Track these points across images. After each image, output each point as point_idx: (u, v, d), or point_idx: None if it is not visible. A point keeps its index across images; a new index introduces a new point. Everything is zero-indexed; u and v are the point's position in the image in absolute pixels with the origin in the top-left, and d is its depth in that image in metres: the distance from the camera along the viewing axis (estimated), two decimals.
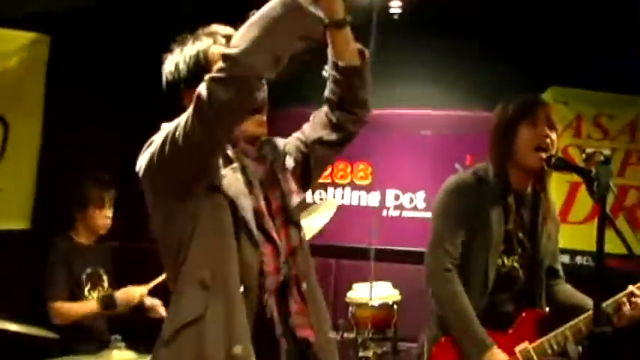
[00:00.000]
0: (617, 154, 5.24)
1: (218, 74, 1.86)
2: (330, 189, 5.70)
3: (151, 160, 2.01)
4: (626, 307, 2.96)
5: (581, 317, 2.95)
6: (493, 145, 3.12)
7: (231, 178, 2.06)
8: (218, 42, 2.14)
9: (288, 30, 1.89)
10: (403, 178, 5.62)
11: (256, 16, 1.88)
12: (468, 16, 5.17)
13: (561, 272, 3.30)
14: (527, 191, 3.13)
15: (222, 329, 1.97)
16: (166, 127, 2.02)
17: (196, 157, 1.97)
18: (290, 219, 2.19)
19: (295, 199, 2.19)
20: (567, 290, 3.27)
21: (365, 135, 5.41)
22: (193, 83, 2.04)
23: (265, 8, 1.88)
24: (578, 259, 5.10)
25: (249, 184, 2.10)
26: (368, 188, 5.66)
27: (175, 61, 2.17)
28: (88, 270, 4.21)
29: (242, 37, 1.87)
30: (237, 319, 1.99)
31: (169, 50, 2.22)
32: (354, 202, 5.66)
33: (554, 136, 3.02)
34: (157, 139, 2.03)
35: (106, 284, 4.27)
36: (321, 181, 5.66)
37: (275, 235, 2.11)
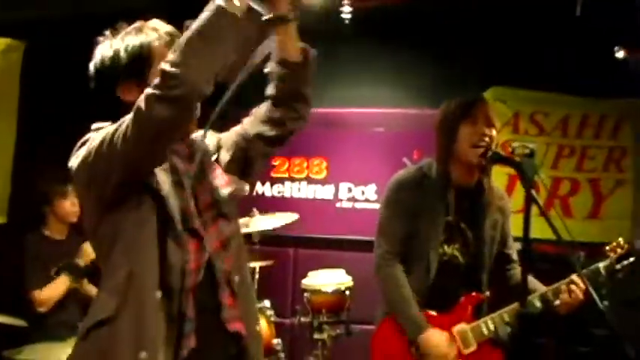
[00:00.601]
0: (552, 149, 5.55)
1: (159, 92, 1.79)
2: (288, 183, 5.84)
3: (86, 158, 1.94)
4: (565, 295, 3.07)
5: (516, 304, 3.04)
6: (437, 142, 3.20)
7: (161, 179, 1.99)
8: (162, 39, 2.06)
9: (226, 39, 1.84)
10: (356, 172, 5.77)
11: (193, 30, 1.82)
12: (415, 20, 5.34)
13: (514, 257, 3.36)
14: (471, 184, 3.19)
15: (131, 333, 1.91)
16: (102, 129, 1.96)
17: (132, 164, 1.90)
18: (220, 213, 2.12)
19: (224, 191, 2.13)
20: (519, 274, 3.24)
21: (321, 132, 5.75)
22: (132, 76, 2.03)
23: (200, 20, 1.82)
24: (517, 245, 5.26)
25: (178, 183, 2.03)
26: (323, 182, 5.82)
27: (115, 48, 2.07)
28: (60, 264, 4.24)
29: (182, 52, 1.81)
30: (148, 323, 1.93)
31: (102, 35, 2.13)
32: (310, 196, 5.83)
33: (492, 133, 3.07)
34: (94, 139, 1.95)
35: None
36: (278, 175, 5.86)
37: (202, 232, 2.04)
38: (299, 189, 5.83)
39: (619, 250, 3.26)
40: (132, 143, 1.84)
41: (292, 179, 5.85)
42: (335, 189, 5.83)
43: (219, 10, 1.82)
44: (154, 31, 2.08)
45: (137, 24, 2.11)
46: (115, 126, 1.91)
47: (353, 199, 5.78)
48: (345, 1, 5.06)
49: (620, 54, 5.37)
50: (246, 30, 1.93)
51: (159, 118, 1.79)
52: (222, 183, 2.16)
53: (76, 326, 3.84)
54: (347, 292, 4.60)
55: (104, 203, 1.96)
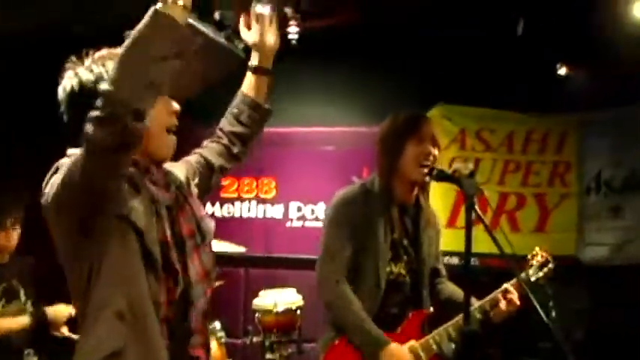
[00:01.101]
0: (498, 164, 5.65)
1: (95, 113, 1.72)
2: (237, 203, 5.82)
3: (57, 189, 1.86)
4: (502, 303, 3.10)
5: (459, 317, 2.99)
6: (380, 159, 3.19)
7: (139, 209, 1.94)
8: None
9: (160, 50, 1.72)
10: (306, 191, 5.79)
11: (127, 42, 1.72)
12: (362, 39, 5.36)
13: (444, 272, 3.39)
14: (411, 201, 3.20)
15: None
16: (71, 159, 1.88)
17: (94, 193, 1.83)
18: (202, 242, 2.11)
19: (211, 224, 2.17)
20: (449, 287, 3.37)
21: (270, 151, 5.76)
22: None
23: (135, 31, 1.72)
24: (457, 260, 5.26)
25: (156, 214, 1.99)
26: (272, 201, 5.83)
27: (97, 72, 1.96)
28: (3, 284, 4.10)
29: (114, 68, 1.73)
30: (157, 353, 1.93)
31: (73, 64, 2.01)
32: (260, 215, 5.83)
33: (436, 152, 3.10)
34: (63, 167, 1.90)
35: (23, 298, 4.16)
36: (228, 195, 5.84)
37: (177, 267, 2.00)
38: (249, 209, 5.83)
39: (539, 259, 3.38)
40: (85, 167, 1.78)
41: (242, 199, 5.85)
42: (285, 208, 5.84)
43: (154, 13, 1.71)
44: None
45: (114, 50, 1.98)
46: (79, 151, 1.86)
47: (303, 218, 5.81)
48: (292, 22, 5.07)
49: (562, 70, 5.50)
50: (187, 38, 1.85)
51: (97, 139, 1.73)
52: (206, 214, 2.18)
53: (19, 353, 3.82)
54: (298, 312, 4.60)
55: (82, 229, 1.88)
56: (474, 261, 5.14)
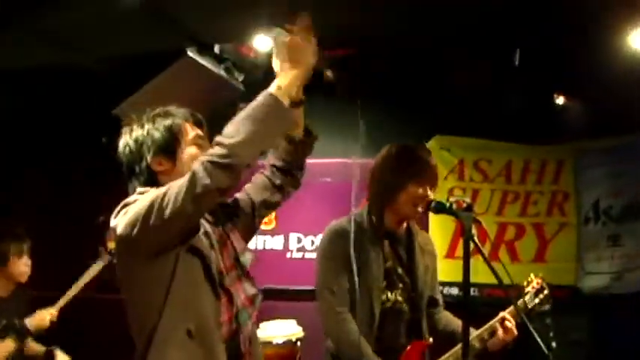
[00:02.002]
0: (496, 195, 5.67)
1: (219, 160, 2.00)
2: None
3: (134, 221, 2.08)
4: (500, 332, 3.14)
5: (458, 347, 3.07)
6: (374, 190, 3.22)
7: (202, 242, 2.20)
8: (187, 118, 2.34)
9: (277, 129, 2.12)
10: (305, 223, 5.76)
11: (249, 112, 2.06)
12: (357, 70, 5.40)
13: (441, 301, 3.41)
14: (401, 230, 3.23)
15: None
16: (147, 193, 2.14)
17: (182, 226, 2.08)
18: (242, 274, 2.32)
19: (249, 256, 2.37)
20: (446, 317, 3.39)
21: None
22: (163, 150, 2.27)
23: (256, 106, 2.07)
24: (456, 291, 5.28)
25: (211, 246, 2.24)
26: (272, 232, 5.82)
27: (147, 127, 2.31)
28: (3, 322, 4.09)
29: (237, 130, 2.03)
30: None
31: (129, 122, 2.35)
32: (260, 246, 5.79)
33: (433, 194, 3.10)
34: (137, 206, 2.11)
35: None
36: None
37: (232, 289, 2.24)
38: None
39: (535, 285, 3.41)
40: (185, 203, 2.01)
41: None
42: (284, 239, 5.83)
43: (268, 97, 2.08)
44: (178, 113, 2.36)
45: (163, 108, 2.37)
46: (162, 189, 2.09)
47: (303, 249, 5.79)
48: None
49: (558, 100, 5.54)
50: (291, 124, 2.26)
51: (218, 182, 2.00)
52: (244, 247, 2.39)
53: None
54: (298, 343, 4.54)
55: (154, 260, 2.11)
56: (473, 291, 5.28)
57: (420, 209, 3.08)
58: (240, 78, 5.39)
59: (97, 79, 4.65)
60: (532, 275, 3.47)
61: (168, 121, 2.32)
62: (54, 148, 5.27)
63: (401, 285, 3.19)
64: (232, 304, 2.22)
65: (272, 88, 2.13)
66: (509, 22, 4.20)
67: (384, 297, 3.13)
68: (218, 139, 2.06)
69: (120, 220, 2.14)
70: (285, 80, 2.15)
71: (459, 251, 5.24)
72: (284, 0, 3.63)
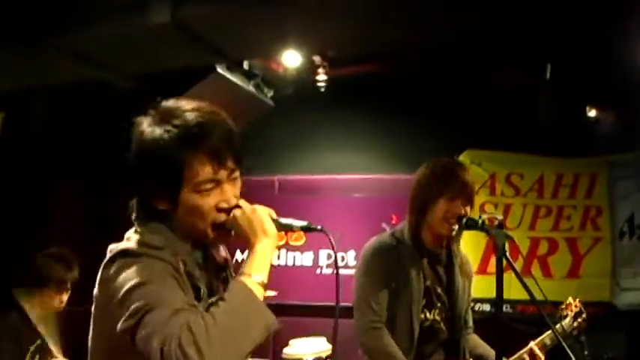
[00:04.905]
0: (529, 209, 5.60)
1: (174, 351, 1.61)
2: None
3: (104, 304, 1.78)
4: None
5: None
6: (411, 207, 3.19)
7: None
8: (201, 150, 1.80)
9: (256, 343, 1.75)
10: (335, 238, 5.75)
11: (235, 327, 1.70)
12: (389, 85, 5.45)
13: (470, 322, 3.37)
14: (441, 249, 3.20)
15: None
16: (124, 270, 1.74)
17: None
18: None
19: None
20: (474, 340, 3.35)
21: (299, 199, 5.74)
22: (164, 190, 1.83)
23: (245, 321, 1.73)
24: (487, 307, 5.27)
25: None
26: (302, 249, 5.81)
27: (156, 145, 1.80)
28: (38, 342, 3.98)
29: (218, 342, 1.65)
30: None
31: (138, 123, 1.87)
32: (290, 263, 5.84)
33: (467, 210, 3.05)
34: (123, 285, 1.73)
35: (56, 355, 4.04)
36: None
37: None
38: (278, 256, 5.81)
39: (573, 308, 3.36)
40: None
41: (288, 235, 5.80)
42: (315, 256, 5.83)
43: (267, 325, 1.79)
44: (192, 143, 1.80)
45: (197, 117, 1.82)
46: (145, 318, 1.68)
47: (333, 265, 5.72)
48: (320, 70, 5.14)
49: (591, 113, 5.49)
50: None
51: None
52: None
53: None
54: None
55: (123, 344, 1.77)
56: (506, 308, 5.22)
57: (453, 227, 3.05)
58: (270, 94, 5.42)
59: (125, 95, 4.70)
60: (570, 298, 3.42)
61: (174, 154, 1.79)
62: (83, 163, 5.32)
63: (439, 305, 3.17)
64: None
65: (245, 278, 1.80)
66: (542, 35, 4.18)
67: (422, 316, 3.11)
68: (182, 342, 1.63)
69: (98, 289, 1.82)
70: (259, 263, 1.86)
71: (491, 267, 5.17)
72: (312, 13, 3.67)
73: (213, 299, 1.80)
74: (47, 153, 5.25)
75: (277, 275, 5.27)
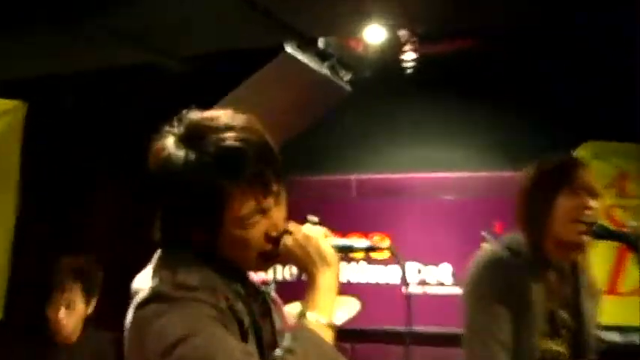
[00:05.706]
0: None
1: None
2: (344, 264, 5.66)
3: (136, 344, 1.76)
4: None
5: None
6: (525, 216, 3.05)
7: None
8: (244, 181, 1.80)
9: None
10: (425, 250, 5.66)
11: None
12: (490, 65, 5.37)
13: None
14: (567, 265, 3.06)
15: None
16: (159, 315, 1.74)
17: None
18: None
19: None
20: None
21: (381, 202, 5.65)
22: (199, 221, 1.82)
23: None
24: (632, 337, 4.91)
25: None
26: (386, 262, 5.73)
27: (188, 167, 1.80)
28: None
29: None
30: None
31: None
32: (371, 280, 5.77)
33: (596, 204, 2.94)
34: (161, 329, 1.72)
35: None
36: None
37: None
38: (357, 272, 5.77)
39: None
40: None
41: (349, 259, 5.74)
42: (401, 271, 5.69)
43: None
44: (232, 168, 1.80)
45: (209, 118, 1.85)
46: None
47: (423, 283, 5.65)
48: (407, 47, 5.08)
49: None
50: None
51: None
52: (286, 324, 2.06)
53: None
54: None
55: None
56: None
57: (582, 228, 2.90)
58: (347, 77, 5.35)
59: (181, 81, 4.71)
60: None
61: (213, 183, 1.78)
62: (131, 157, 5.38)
63: (564, 332, 3.04)
64: None
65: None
66: None
67: (545, 346, 2.99)
68: None
69: (143, 332, 1.75)
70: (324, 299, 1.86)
71: (623, 286, 4.96)
72: None
73: (278, 352, 1.76)
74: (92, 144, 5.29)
75: (356, 294, 5.22)
